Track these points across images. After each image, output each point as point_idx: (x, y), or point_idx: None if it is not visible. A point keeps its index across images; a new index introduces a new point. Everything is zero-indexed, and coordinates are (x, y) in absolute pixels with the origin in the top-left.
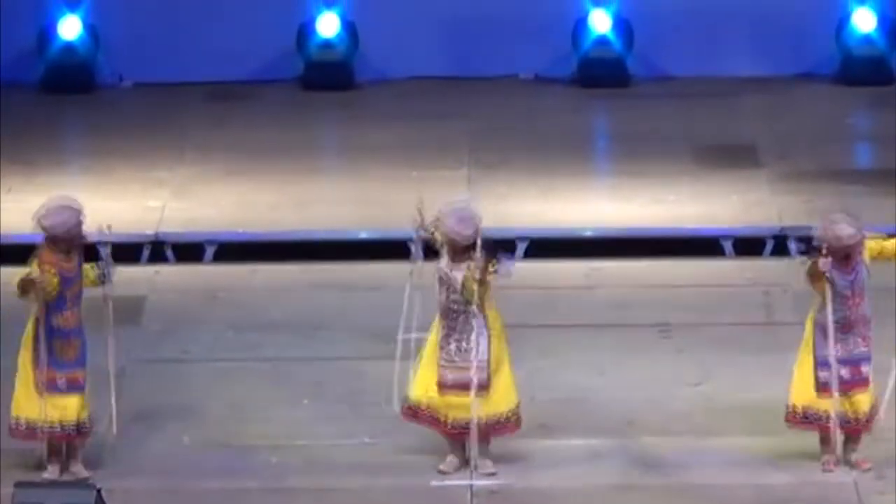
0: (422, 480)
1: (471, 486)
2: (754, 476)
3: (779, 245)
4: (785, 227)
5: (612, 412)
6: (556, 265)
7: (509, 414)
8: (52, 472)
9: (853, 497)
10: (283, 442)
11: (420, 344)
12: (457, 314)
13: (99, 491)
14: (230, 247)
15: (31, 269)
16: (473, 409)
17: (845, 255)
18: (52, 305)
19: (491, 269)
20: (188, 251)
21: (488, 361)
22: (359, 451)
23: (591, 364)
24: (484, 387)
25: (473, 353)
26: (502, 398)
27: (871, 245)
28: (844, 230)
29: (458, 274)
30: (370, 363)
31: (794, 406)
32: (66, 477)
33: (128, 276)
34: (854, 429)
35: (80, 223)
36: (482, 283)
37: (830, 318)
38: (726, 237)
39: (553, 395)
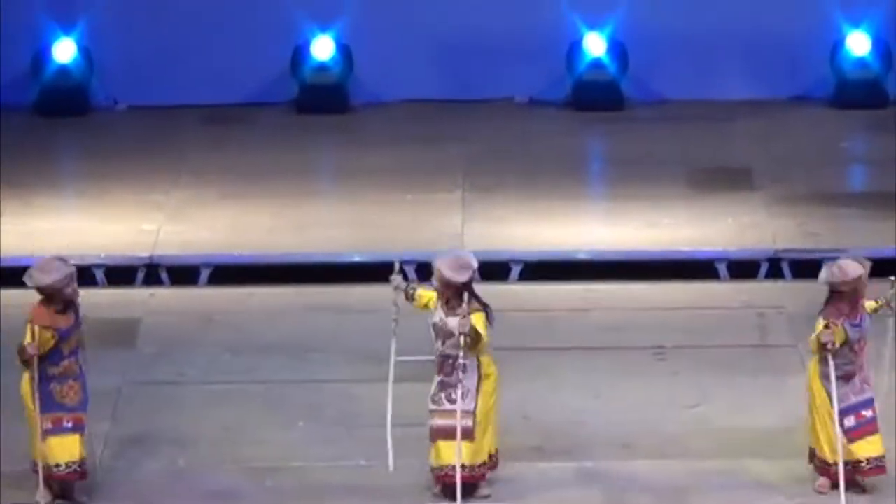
0: (417, 501)
1: None
2: (749, 499)
3: (773, 268)
4: (779, 251)
5: (606, 435)
6: (550, 288)
7: (490, 457)
8: (44, 496)
9: None
10: (278, 464)
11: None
12: (452, 361)
13: None
14: (225, 270)
15: (26, 335)
16: (458, 454)
17: (853, 301)
18: (48, 358)
19: (487, 322)
20: (183, 274)
21: (474, 412)
22: (354, 473)
23: (585, 386)
24: (468, 435)
25: (460, 400)
26: (486, 445)
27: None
28: (852, 268)
29: (453, 321)
30: (365, 386)
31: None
32: None
33: (123, 299)
34: (873, 471)
35: (69, 278)
36: (481, 337)
37: (833, 373)
38: (721, 260)
39: (548, 418)
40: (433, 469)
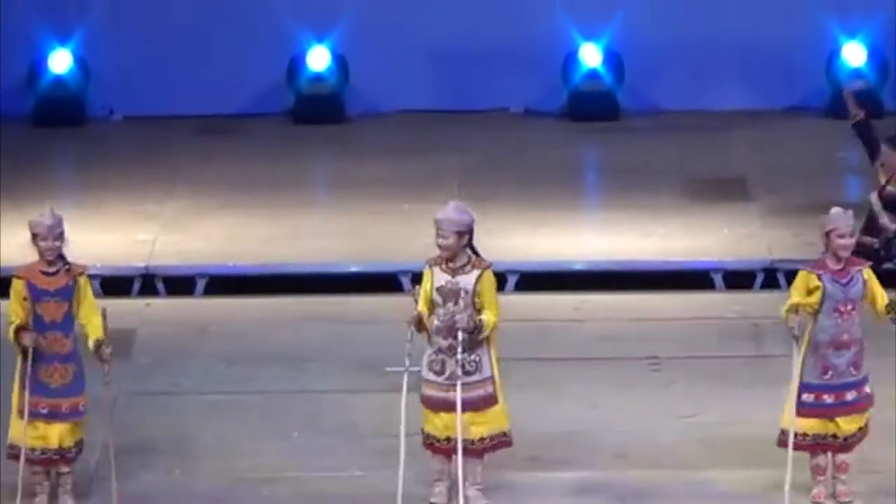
0: None
1: None
2: None
3: (769, 278)
4: (775, 261)
5: (602, 445)
6: (546, 298)
7: (507, 433)
8: (40, 501)
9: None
10: (273, 475)
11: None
12: (452, 327)
13: None
14: (221, 280)
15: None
16: (459, 427)
17: (840, 256)
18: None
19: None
20: (179, 284)
21: (493, 377)
22: (350, 483)
23: (581, 397)
24: (491, 401)
25: (476, 369)
26: (504, 414)
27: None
28: (840, 216)
29: (465, 279)
30: (361, 396)
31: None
32: None
33: (118, 309)
34: (838, 448)
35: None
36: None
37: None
38: (716, 270)
39: (544, 428)
40: (433, 440)
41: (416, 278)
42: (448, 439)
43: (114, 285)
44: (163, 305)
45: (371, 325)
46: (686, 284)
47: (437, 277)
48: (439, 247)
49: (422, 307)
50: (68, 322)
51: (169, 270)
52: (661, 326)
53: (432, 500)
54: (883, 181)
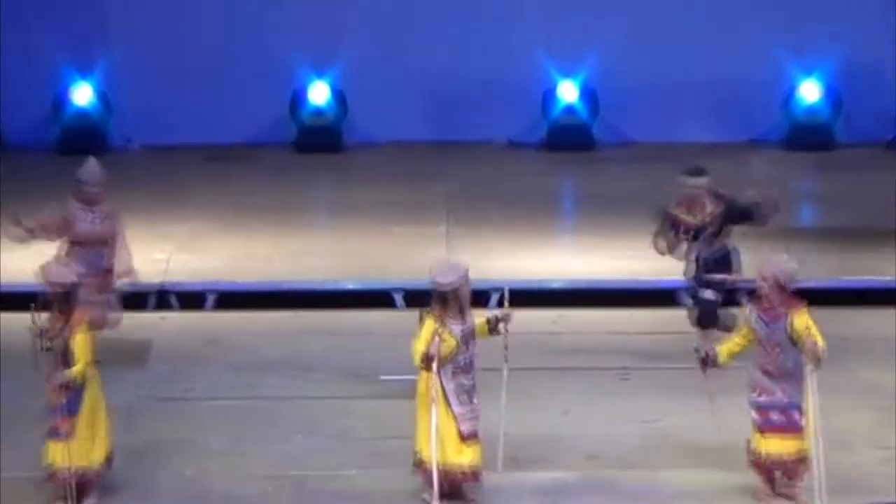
0: None
1: None
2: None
3: (729, 296)
4: (734, 281)
5: (576, 447)
6: (526, 314)
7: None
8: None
9: None
10: (277, 473)
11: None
12: (470, 367)
13: None
14: (229, 296)
15: None
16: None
17: (769, 298)
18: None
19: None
20: (191, 299)
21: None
22: (347, 481)
23: (557, 404)
24: (477, 435)
25: (477, 403)
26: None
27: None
28: (767, 265)
29: (472, 321)
30: (357, 402)
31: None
32: None
33: (136, 322)
34: (785, 467)
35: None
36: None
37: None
38: (681, 289)
39: (523, 432)
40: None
41: (408, 295)
42: (462, 470)
43: (132, 300)
44: (176, 318)
45: (366, 337)
46: (653, 302)
47: (452, 325)
48: (450, 301)
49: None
50: None
51: (182, 287)
52: (630, 340)
53: (424, 496)
54: (683, 215)
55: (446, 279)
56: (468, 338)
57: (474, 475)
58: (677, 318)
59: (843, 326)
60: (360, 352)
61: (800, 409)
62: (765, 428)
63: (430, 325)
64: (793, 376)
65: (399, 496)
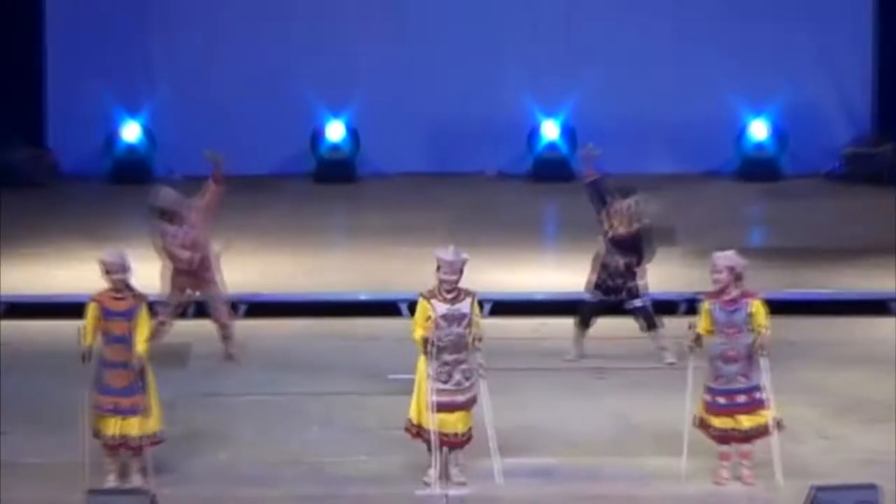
0: (408, 490)
1: (446, 495)
2: (668, 488)
3: (690, 307)
4: (695, 293)
5: (557, 437)
6: (513, 321)
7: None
8: (112, 480)
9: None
10: (297, 459)
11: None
12: (457, 345)
13: (154, 497)
14: (257, 305)
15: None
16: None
17: (726, 288)
18: (103, 341)
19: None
20: None
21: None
22: (357, 466)
23: (541, 399)
24: (472, 405)
25: (469, 376)
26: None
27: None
28: (722, 257)
29: (463, 305)
30: (367, 397)
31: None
32: (125, 485)
33: (177, 329)
34: (741, 439)
35: (122, 269)
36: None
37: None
38: (649, 301)
39: (511, 424)
40: (432, 433)
41: (412, 305)
42: (446, 434)
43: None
44: (211, 325)
45: (375, 341)
46: (624, 312)
47: (437, 307)
48: (444, 281)
49: (424, 332)
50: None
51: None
52: (604, 344)
53: (425, 479)
54: (615, 224)
55: (447, 256)
56: (452, 319)
57: (444, 439)
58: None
59: (789, 333)
60: (371, 354)
61: (759, 388)
62: (730, 410)
63: (421, 304)
64: (748, 358)
65: (403, 479)
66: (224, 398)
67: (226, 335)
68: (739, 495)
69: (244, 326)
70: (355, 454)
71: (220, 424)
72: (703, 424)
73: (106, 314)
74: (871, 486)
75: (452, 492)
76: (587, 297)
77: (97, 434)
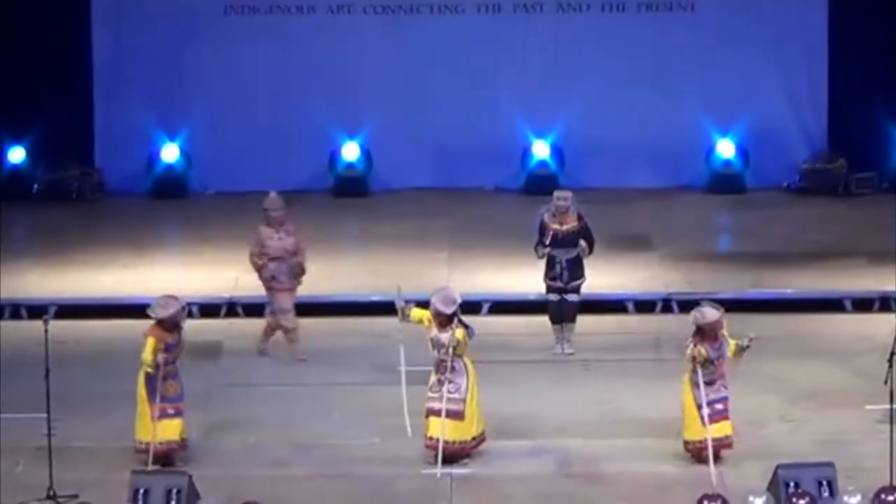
0: (416, 469)
1: (451, 473)
2: (650, 466)
3: (665, 305)
4: (670, 293)
5: (549, 422)
6: (508, 319)
7: (475, 437)
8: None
9: (719, 482)
10: (318, 442)
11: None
12: (445, 364)
13: (191, 477)
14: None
15: (146, 347)
16: (442, 429)
17: (713, 333)
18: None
19: (467, 335)
20: (253, 309)
21: (465, 399)
22: (371, 448)
23: (533, 388)
24: (460, 415)
25: (455, 391)
26: (472, 426)
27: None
28: (710, 313)
29: (445, 336)
30: (381, 387)
31: (691, 440)
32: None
33: (210, 327)
34: (724, 446)
35: (181, 311)
36: (461, 344)
37: (701, 379)
38: (629, 300)
39: (507, 410)
40: (426, 438)
41: (419, 305)
42: (452, 441)
43: (207, 309)
44: (241, 324)
45: (386, 338)
46: (608, 310)
47: (432, 331)
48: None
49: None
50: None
51: (246, 299)
52: (591, 339)
53: (430, 460)
54: (550, 223)
55: (443, 307)
56: (436, 345)
57: (433, 444)
58: (627, 322)
59: (753, 329)
60: (382, 349)
61: (726, 399)
62: (718, 418)
63: (426, 313)
64: (723, 376)
65: (412, 460)
66: (253, 388)
67: (292, 338)
68: (712, 475)
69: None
70: (370, 438)
71: (250, 411)
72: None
73: (166, 347)
74: (829, 464)
75: (456, 471)
76: (573, 297)
77: (150, 443)
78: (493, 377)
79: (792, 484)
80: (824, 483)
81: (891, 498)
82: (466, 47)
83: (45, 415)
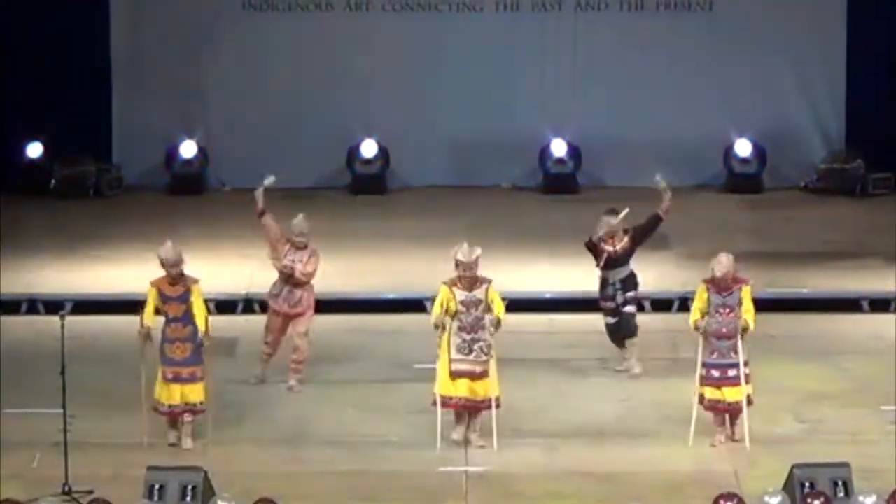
0: (432, 467)
1: (465, 471)
2: (664, 466)
3: (682, 304)
4: (687, 292)
5: (564, 419)
6: (526, 317)
7: (497, 397)
8: (173, 437)
9: (734, 481)
10: (333, 438)
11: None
12: (480, 323)
13: (206, 473)
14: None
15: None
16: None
17: (724, 282)
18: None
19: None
20: (268, 306)
21: (491, 356)
22: (387, 444)
23: (550, 386)
24: (487, 373)
25: (488, 350)
26: (496, 381)
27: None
28: (720, 264)
29: (479, 292)
30: (395, 384)
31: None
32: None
33: (227, 323)
34: (725, 410)
35: (177, 263)
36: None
37: (713, 338)
38: (646, 298)
39: (524, 407)
40: (451, 399)
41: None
42: (472, 399)
43: (224, 306)
44: (257, 320)
45: (403, 335)
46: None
47: (457, 294)
48: (462, 276)
49: (441, 315)
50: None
51: (261, 296)
52: (607, 338)
53: (454, 437)
54: (609, 247)
55: (463, 257)
56: (470, 304)
57: (465, 404)
58: (644, 320)
59: (770, 327)
60: (398, 346)
61: (738, 366)
62: (720, 382)
63: (443, 290)
64: (734, 338)
65: (428, 458)
66: (269, 384)
67: (296, 366)
68: (727, 474)
69: None
70: (385, 434)
71: (266, 407)
72: (701, 399)
73: (164, 298)
74: (844, 465)
75: (472, 468)
76: (629, 308)
77: (160, 405)
78: (510, 374)
79: (807, 484)
80: (839, 483)
81: None
82: (484, 45)
83: (60, 410)
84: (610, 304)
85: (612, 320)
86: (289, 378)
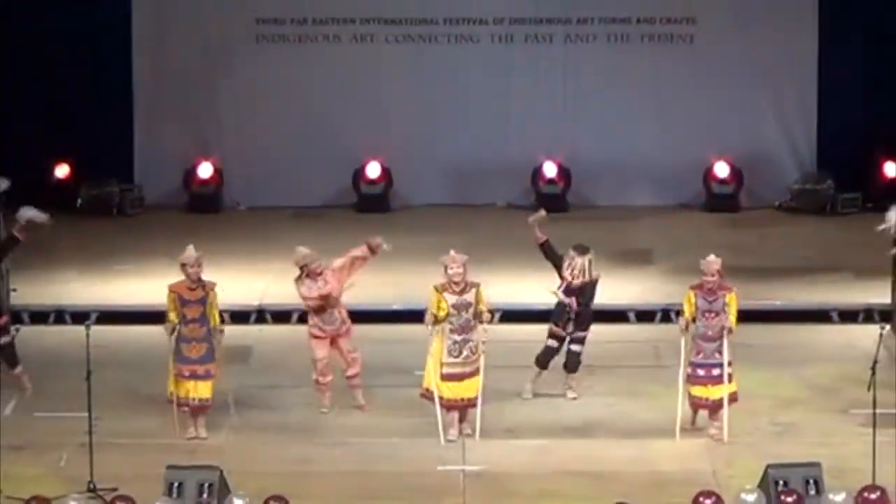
0: (432, 466)
1: (463, 470)
2: (649, 466)
3: (665, 316)
4: (669, 305)
5: (557, 421)
6: (520, 327)
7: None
8: (188, 433)
9: (712, 480)
10: (340, 440)
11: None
12: (470, 325)
13: (222, 472)
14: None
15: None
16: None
17: (711, 283)
18: (180, 322)
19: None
20: (281, 316)
21: (479, 355)
22: (393, 445)
23: (542, 392)
24: (477, 372)
25: (475, 350)
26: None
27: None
28: (707, 263)
29: (469, 295)
30: (400, 389)
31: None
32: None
33: (241, 332)
34: (707, 406)
35: (198, 262)
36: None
37: (699, 339)
38: (631, 310)
39: (518, 410)
40: (442, 399)
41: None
42: (461, 399)
43: (238, 316)
44: (270, 330)
45: (406, 344)
46: (611, 319)
47: (448, 298)
48: (452, 279)
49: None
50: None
51: (274, 307)
52: (595, 346)
53: (449, 437)
54: (569, 278)
55: (453, 264)
56: (460, 307)
57: (455, 404)
58: (629, 330)
59: (747, 337)
60: (402, 354)
61: (722, 365)
62: (705, 381)
63: (434, 294)
64: (718, 340)
65: (429, 458)
66: (278, 389)
67: (356, 381)
68: (706, 473)
69: (296, 331)
70: (391, 435)
71: (276, 411)
72: (686, 396)
73: (182, 301)
74: (816, 464)
75: (469, 468)
76: (575, 347)
77: (177, 398)
78: (503, 380)
79: (781, 482)
80: (811, 482)
81: (873, 496)
82: (481, 74)
83: (86, 413)
84: (560, 332)
85: (554, 344)
86: (356, 397)
